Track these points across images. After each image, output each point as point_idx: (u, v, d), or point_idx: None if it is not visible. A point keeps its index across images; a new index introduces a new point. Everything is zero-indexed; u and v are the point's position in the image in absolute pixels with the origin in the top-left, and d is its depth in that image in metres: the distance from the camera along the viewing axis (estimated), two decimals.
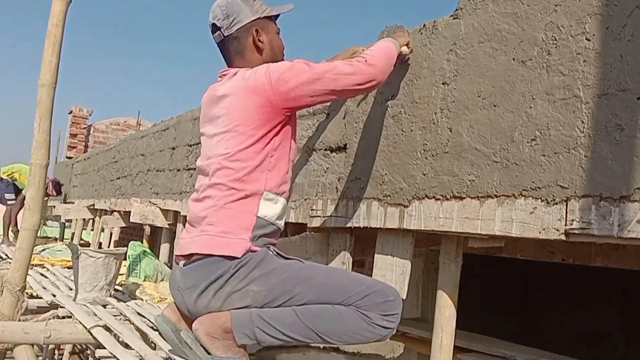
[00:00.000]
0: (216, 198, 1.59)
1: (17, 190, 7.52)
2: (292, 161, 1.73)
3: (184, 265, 1.60)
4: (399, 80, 2.03)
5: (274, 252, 1.58)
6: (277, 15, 1.78)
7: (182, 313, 1.66)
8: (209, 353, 1.50)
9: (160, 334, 1.73)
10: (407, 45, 1.91)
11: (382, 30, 2.22)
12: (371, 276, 2.18)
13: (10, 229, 7.41)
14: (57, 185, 8.37)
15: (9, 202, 7.54)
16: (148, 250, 4.29)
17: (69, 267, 4.20)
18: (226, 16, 1.67)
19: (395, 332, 1.54)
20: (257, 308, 1.49)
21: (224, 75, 1.71)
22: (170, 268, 3.28)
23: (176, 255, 1.68)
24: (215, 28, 1.70)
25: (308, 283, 1.50)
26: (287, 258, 1.57)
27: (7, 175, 7.47)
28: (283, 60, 1.77)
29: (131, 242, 4.33)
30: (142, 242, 5.17)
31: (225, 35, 1.69)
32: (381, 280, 2.11)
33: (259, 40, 1.70)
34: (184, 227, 2.06)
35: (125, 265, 3.85)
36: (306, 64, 1.60)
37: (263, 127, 1.58)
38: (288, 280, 1.50)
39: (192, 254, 1.59)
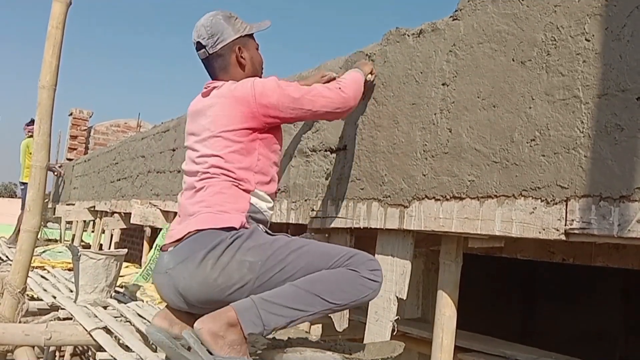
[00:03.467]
0: (210, 187, 1.69)
1: None
2: (277, 165, 1.85)
3: (176, 246, 1.65)
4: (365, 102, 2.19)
5: (263, 229, 1.69)
6: None
7: (174, 312, 1.68)
8: (211, 354, 1.49)
9: (154, 344, 1.75)
10: (371, 72, 2.16)
11: (384, 34, 2.23)
12: None
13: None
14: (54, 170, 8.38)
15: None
16: None
17: (69, 269, 4.21)
18: (210, 35, 1.79)
19: (379, 292, 1.63)
20: (254, 293, 1.55)
21: (210, 86, 1.82)
22: None
23: (165, 244, 1.71)
24: (199, 46, 1.82)
25: (298, 252, 1.60)
26: (274, 235, 1.68)
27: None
28: (262, 73, 1.92)
29: (167, 227, 4.13)
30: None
31: (210, 53, 1.81)
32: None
33: (242, 57, 1.82)
34: None
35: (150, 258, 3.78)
36: (289, 83, 1.77)
37: (246, 134, 1.70)
38: (280, 250, 1.59)
39: (187, 234, 1.63)
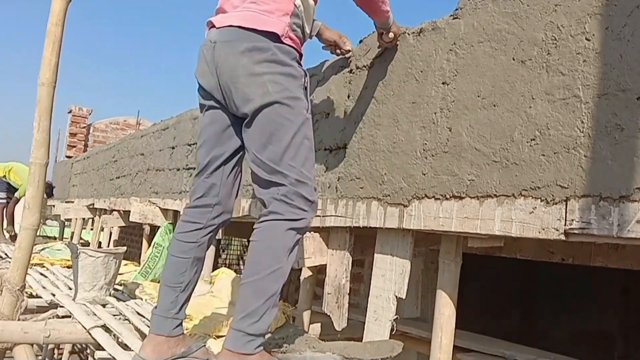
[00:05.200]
0: None
1: (12, 190, 7.47)
2: None
3: (224, 27, 1.65)
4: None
5: (302, 85, 1.66)
6: None
7: (160, 343, 1.65)
8: None
9: None
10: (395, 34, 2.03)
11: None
12: (370, 276, 2.19)
13: (5, 227, 7.38)
14: (49, 188, 8.34)
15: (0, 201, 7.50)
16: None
17: (68, 267, 4.20)
18: None
19: (315, 211, 1.65)
20: (230, 317, 1.55)
21: None
22: None
23: (209, 29, 1.71)
24: None
25: (291, 149, 1.61)
26: (300, 99, 1.63)
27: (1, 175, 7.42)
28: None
29: (166, 224, 4.09)
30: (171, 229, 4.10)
31: None
32: (381, 279, 2.11)
33: None
34: None
35: (149, 254, 3.77)
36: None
37: None
38: (284, 122, 1.59)
39: (230, 25, 1.64)
